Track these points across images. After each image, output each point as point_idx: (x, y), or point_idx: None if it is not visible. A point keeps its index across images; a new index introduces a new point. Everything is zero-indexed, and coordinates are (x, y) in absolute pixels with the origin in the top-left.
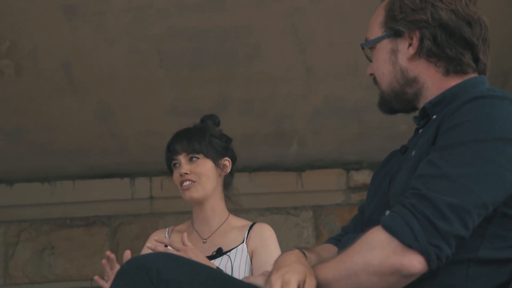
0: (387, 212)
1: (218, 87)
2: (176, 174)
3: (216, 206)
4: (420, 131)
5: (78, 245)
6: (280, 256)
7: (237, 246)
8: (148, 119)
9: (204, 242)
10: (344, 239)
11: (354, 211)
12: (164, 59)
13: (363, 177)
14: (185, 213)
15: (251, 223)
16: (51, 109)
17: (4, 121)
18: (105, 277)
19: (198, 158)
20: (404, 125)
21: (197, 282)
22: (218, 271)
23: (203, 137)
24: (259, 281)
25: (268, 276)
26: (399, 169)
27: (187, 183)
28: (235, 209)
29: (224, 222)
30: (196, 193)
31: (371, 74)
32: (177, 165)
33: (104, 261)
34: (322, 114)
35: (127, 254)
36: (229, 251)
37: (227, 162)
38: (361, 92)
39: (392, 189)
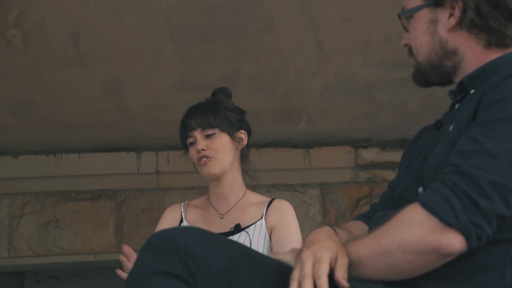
0: (420, 189)
1: (228, 61)
2: (192, 151)
3: (234, 181)
4: (456, 106)
5: (83, 219)
6: (311, 233)
7: (256, 222)
8: (156, 93)
9: (221, 218)
10: (375, 217)
11: (361, 189)
12: (174, 32)
13: (372, 155)
14: (191, 188)
15: (269, 199)
16: (58, 81)
17: (11, 92)
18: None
19: (214, 133)
20: (414, 103)
21: (224, 257)
22: (246, 246)
23: (217, 111)
24: (287, 258)
25: (298, 253)
26: (434, 145)
27: (204, 159)
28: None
29: (242, 197)
30: (214, 168)
31: (406, 45)
32: (193, 142)
33: (122, 257)
34: (332, 91)
35: (126, 248)
36: (248, 227)
37: (242, 135)
38: (372, 70)
39: (427, 165)
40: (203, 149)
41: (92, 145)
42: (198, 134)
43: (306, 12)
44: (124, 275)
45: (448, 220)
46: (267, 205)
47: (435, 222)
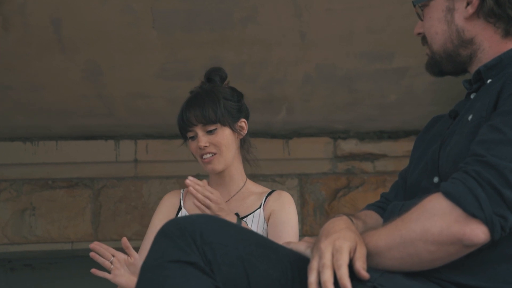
0: (435, 179)
1: (211, 49)
2: (193, 146)
3: (235, 171)
4: (472, 95)
5: (60, 207)
6: (328, 222)
7: (254, 211)
8: (137, 80)
9: None
10: (391, 206)
11: (340, 180)
12: (156, 19)
13: (350, 146)
14: (169, 177)
15: (269, 190)
16: (37, 66)
17: None
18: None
19: (215, 128)
20: (393, 95)
21: (241, 246)
22: (261, 235)
23: (217, 105)
24: (301, 247)
25: (316, 242)
26: (451, 134)
27: (207, 155)
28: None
29: (242, 187)
30: (218, 165)
31: (419, 34)
32: (194, 136)
33: (92, 254)
34: (313, 81)
35: (125, 241)
36: (246, 216)
37: (243, 123)
38: (353, 61)
39: (444, 154)
40: (205, 146)
41: (70, 133)
42: (199, 130)
43: (291, 1)
44: (100, 273)
45: (472, 211)
46: (266, 195)
47: (459, 212)
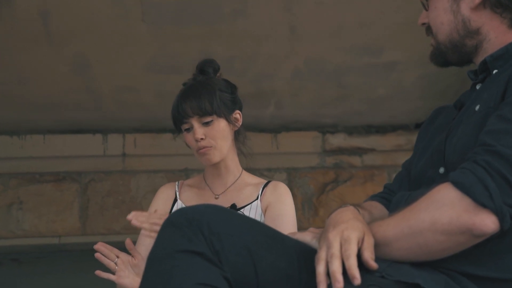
0: (441, 169)
1: (200, 43)
2: (189, 138)
3: (230, 162)
4: (477, 86)
5: (48, 201)
6: (335, 212)
7: (251, 202)
8: (126, 74)
9: (216, 198)
10: (397, 197)
11: (328, 174)
12: (146, 12)
13: (338, 140)
14: (157, 171)
15: (265, 181)
16: (25, 59)
17: None
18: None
19: (211, 120)
20: (382, 89)
21: (249, 236)
22: (267, 226)
23: (213, 96)
24: (307, 238)
25: (323, 232)
26: (457, 125)
27: (203, 148)
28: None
29: (238, 178)
30: (214, 157)
31: (424, 24)
32: (189, 128)
33: (97, 255)
34: (302, 75)
35: (129, 242)
36: (243, 207)
37: (237, 115)
38: (343, 55)
39: (450, 145)
40: (202, 138)
41: (58, 126)
42: (195, 122)
43: None
44: (104, 275)
45: (482, 200)
46: (263, 186)
47: (468, 202)
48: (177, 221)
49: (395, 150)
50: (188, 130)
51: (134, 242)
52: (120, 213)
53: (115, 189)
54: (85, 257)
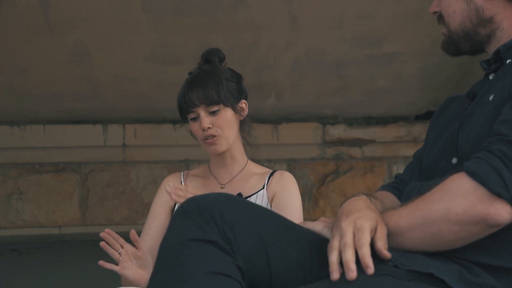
0: (454, 160)
1: (200, 33)
2: (196, 127)
3: (236, 152)
4: (490, 76)
5: (47, 191)
6: (347, 201)
7: (257, 192)
8: (126, 64)
9: (222, 188)
10: (409, 187)
11: (328, 165)
12: (147, 2)
13: (339, 131)
14: (157, 162)
15: (271, 170)
16: (25, 49)
17: None
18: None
19: (218, 109)
20: (382, 80)
21: (260, 225)
22: (279, 214)
23: (220, 85)
24: (318, 227)
25: (336, 221)
26: (470, 115)
27: (210, 137)
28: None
29: (243, 168)
30: (220, 146)
31: (435, 13)
32: (195, 117)
33: (102, 243)
34: (303, 66)
35: (133, 233)
36: (249, 196)
37: (243, 104)
38: (344, 46)
39: (463, 134)
40: (209, 127)
41: (58, 117)
42: (201, 111)
43: None
44: (108, 265)
45: (497, 190)
46: (269, 175)
47: (483, 191)
48: (189, 210)
49: (395, 142)
50: (194, 119)
51: (138, 233)
52: (120, 204)
53: (115, 179)
54: (85, 247)
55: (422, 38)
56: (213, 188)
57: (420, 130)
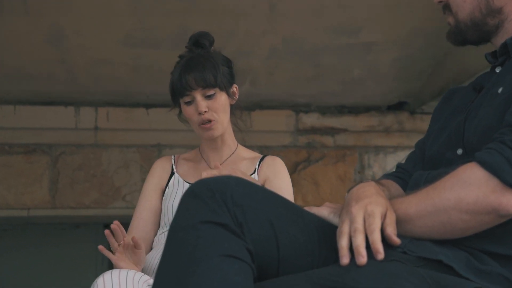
0: (459, 151)
1: (178, 18)
2: (190, 110)
3: (227, 136)
4: (497, 69)
5: (17, 173)
6: (356, 187)
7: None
8: (101, 47)
9: None
10: (415, 176)
11: (300, 153)
12: None
13: (312, 120)
14: (130, 146)
15: (261, 155)
16: (0, 29)
17: None
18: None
19: (214, 93)
20: (357, 70)
21: (270, 209)
22: (286, 199)
23: (216, 69)
24: (324, 212)
25: (346, 207)
26: (477, 106)
27: (207, 122)
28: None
29: (234, 152)
30: (216, 131)
31: (441, 2)
32: (190, 101)
33: (107, 232)
34: (279, 54)
35: (135, 239)
36: None
37: (235, 88)
38: (321, 34)
39: (470, 126)
40: (205, 111)
41: (29, 97)
42: (197, 94)
43: None
44: (106, 252)
45: (510, 181)
46: (259, 160)
47: (496, 182)
48: (200, 192)
49: (367, 131)
50: (189, 103)
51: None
52: (91, 187)
53: (86, 162)
54: (54, 230)
55: (398, 29)
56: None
57: (392, 120)
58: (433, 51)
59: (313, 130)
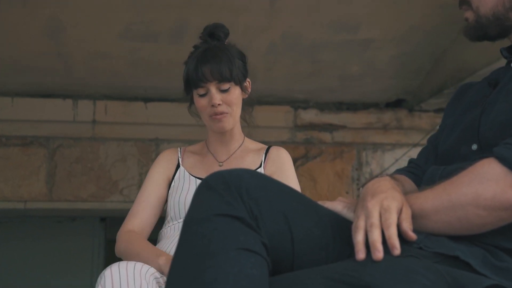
0: (474, 146)
1: (177, 12)
2: (203, 102)
3: (236, 130)
4: None
5: (14, 165)
6: (371, 181)
7: (255, 170)
8: (100, 40)
9: (220, 166)
10: (430, 171)
11: (298, 149)
12: None
13: (310, 116)
14: (127, 140)
15: (266, 146)
16: None
17: None
18: None
19: (229, 87)
20: (355, 66)
21: (285, 203)
22: (300, 193)
23: (232, 63)
24: (338, 207)
25: (361, 201)
26: (493, 102)
27: (219, 114)
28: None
29: (241, 145)
30: (228, 124)
31: None
32: (205, 93)
33: None
34: (277, 49)
35: None
36: None
37: (247, 83)
38: (320, 30)
39: (486, 122)
40: (219, 104)
41: (27, 90)
42: (212, 87)
43: None
44: None
45: None
46: (265, 152)
47: None
48: (215, 184)
49: (365, 128)
50: (203, 95)
51: (104, 211)
52: (88, 180)
53: (84, 156)
54: (50, 223)
55: (397, 26)
56: (211, 165)
57: (390, 117)
58: (432, 49)
59: (311, 127)
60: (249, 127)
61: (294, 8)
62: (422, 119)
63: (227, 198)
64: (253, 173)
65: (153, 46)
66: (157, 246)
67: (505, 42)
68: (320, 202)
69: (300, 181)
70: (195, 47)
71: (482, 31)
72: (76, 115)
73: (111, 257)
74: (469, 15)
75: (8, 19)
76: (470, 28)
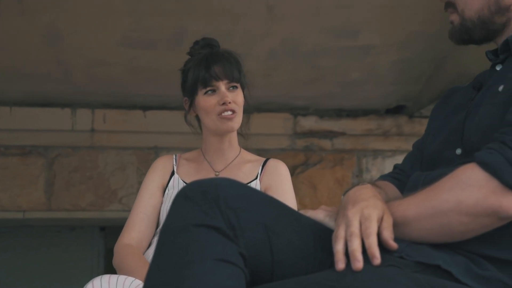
0: (458, 150)
1: (176, 19)
2: (212, 100)
3: (233, 138)
4: (497, 67)
5: (12, 175)
6: (353, 189)
7: (251, 181)
8: (98, 47)
9: (216, 175)
10: (414, 177)
11: (298, 156)
12: None
13: (310, 123)
14: (126, 148)
15: (264, 158)
16: None
17: None
18: None
19: (236, 87)
20: (356, 73)
21: (265, 212)
22: (282, 202)
23: (239, 66)
24: (319, 215)
25: (342, 210)
26: (477, 105)
27: (229, 112)
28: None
29: (238, 155)
30: (236, 124)
31: None
32: (214, 91)
33: None
34: (277, 56)
35: None
36: None
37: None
38: (319, 36)
39: (471, 125)
40: (230, 102)
41: (25, 99)
42: (222, 85)
43: None
44: None
45: (510, 182)
46: (262, 164)
47: (496, 183)
48: (192, 194)
49: (365, 135)
50: (211, 94)
51: (103, 220)
52: (87, 189)
53: (82, 165)
54: (49, 232)
55: (397, 32)
56: (206, 174)
57: (390, 124)
58: (432, 54)
59: (311, 133)
60: (244, 139)
61: (293, 15)
62: (422, 125)
63: (204, 207)
64: (233, 183)
65: (152, 54)
66: (145, 254)
67: (492, 46)
68: (302, 211)
69: (300, 189)
70: (191, 54)
71: (467, 34)
72: (75, 124)
73: (111, 267)
74: (454, 18)
75: (6, 27)
76: (455, 31)
